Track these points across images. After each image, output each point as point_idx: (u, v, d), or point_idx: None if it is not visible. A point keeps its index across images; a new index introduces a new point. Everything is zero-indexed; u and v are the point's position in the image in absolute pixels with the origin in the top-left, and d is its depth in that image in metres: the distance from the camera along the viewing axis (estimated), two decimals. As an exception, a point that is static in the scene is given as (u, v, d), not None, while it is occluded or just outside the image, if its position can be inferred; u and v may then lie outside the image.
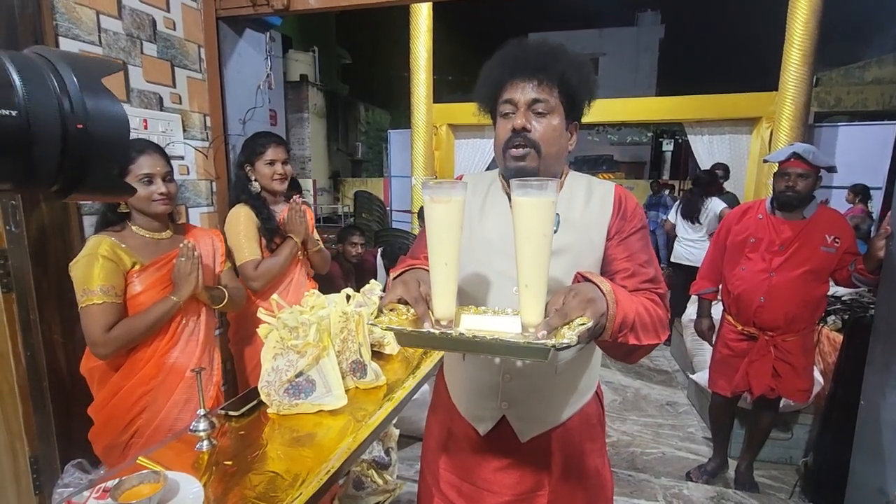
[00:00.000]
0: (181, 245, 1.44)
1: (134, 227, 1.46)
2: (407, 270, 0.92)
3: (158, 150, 1.49)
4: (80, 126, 0.60)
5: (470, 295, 1.01)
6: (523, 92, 0.94)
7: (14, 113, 0.51)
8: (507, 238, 1.01)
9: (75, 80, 0.59)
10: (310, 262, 2.08)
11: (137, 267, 1.42)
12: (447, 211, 0.76)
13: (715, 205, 3.88)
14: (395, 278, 0.91)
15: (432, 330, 0.75)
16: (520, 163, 0.95)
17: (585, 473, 1.08)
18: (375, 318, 0.80)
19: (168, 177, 1.47)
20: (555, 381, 1.02)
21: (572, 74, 0.94)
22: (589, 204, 1.01)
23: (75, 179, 0.61)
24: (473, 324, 0.83)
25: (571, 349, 0.83)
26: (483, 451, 1.07)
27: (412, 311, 0.80)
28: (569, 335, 0.69)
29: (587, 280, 0.82)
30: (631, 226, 1.00)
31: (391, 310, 0.81)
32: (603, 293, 0.79)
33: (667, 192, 7.98)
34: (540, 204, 0.73)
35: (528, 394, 1.02)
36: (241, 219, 1.84)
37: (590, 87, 0.98)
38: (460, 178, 1.11)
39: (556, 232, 0.95)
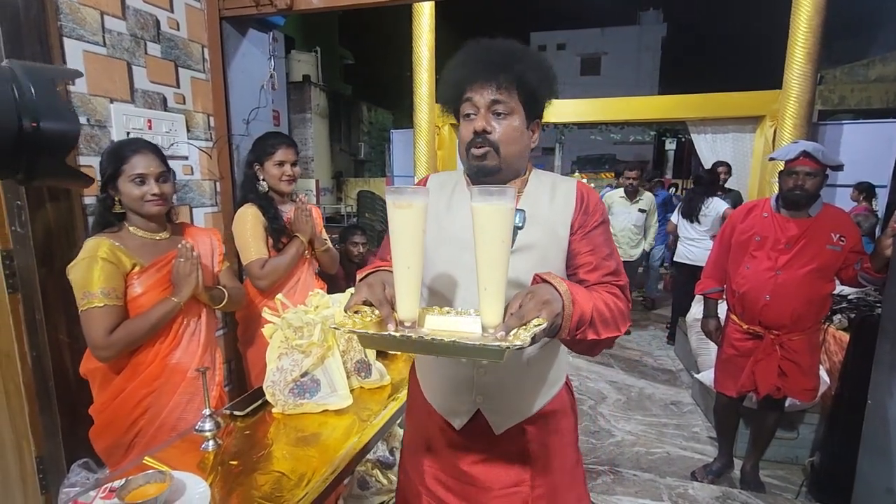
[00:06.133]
0: (179, 245, 1.43)
1: (131, 228, 1.44)
2: (373, 272, 0.94)
3: (154, 150, 1.45)
4: (34, 124, 0.76)
5: (439, 293, 1.02)
6: (483, 94, 0.96)
7: None
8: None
9: (31, 87, 0.76)
10: (318, 262, 2.09)
11: (137, 269, 1.41)
12: (409, 216, 0.78)
13: (717, 205, 3.87)
14: (360, 280, 0.93)
15: (393, 333, 0.77)
16: (481, 161, 0.98)
17: (562, 460, 1.11)
18: (340, 321, 0.82)
19: (162, 177, 1.43)
20: (527, 374, 1.05)
21: (531, 76, 0.96)
22: (553, 200, 1.03)
23: (34, 167, 0.77)
24: (437, 324, 0.85)
25: (534, 345, 0.85)
26: (459, 445, 1.08)
27: (377, 312, 0.82)
28: (523, 336, 0.72)
29: (545, 281, 0.85)
30: (593, 220, 1.03)
31: (356, 312, 0.83)
32: (560, 294, 0.82)
33: (672, 190, 7.95)
34: (498, 210, 0.74)
35: (501, 387, 1.04)
36: (249, 218, 1.85)
37: (550, 87, 1.00)
38: (427, 179, 1.13)
39: (522, 228, 0.98)
